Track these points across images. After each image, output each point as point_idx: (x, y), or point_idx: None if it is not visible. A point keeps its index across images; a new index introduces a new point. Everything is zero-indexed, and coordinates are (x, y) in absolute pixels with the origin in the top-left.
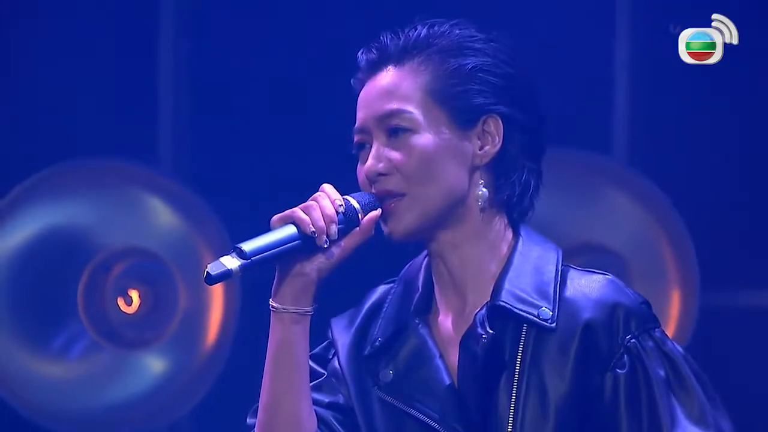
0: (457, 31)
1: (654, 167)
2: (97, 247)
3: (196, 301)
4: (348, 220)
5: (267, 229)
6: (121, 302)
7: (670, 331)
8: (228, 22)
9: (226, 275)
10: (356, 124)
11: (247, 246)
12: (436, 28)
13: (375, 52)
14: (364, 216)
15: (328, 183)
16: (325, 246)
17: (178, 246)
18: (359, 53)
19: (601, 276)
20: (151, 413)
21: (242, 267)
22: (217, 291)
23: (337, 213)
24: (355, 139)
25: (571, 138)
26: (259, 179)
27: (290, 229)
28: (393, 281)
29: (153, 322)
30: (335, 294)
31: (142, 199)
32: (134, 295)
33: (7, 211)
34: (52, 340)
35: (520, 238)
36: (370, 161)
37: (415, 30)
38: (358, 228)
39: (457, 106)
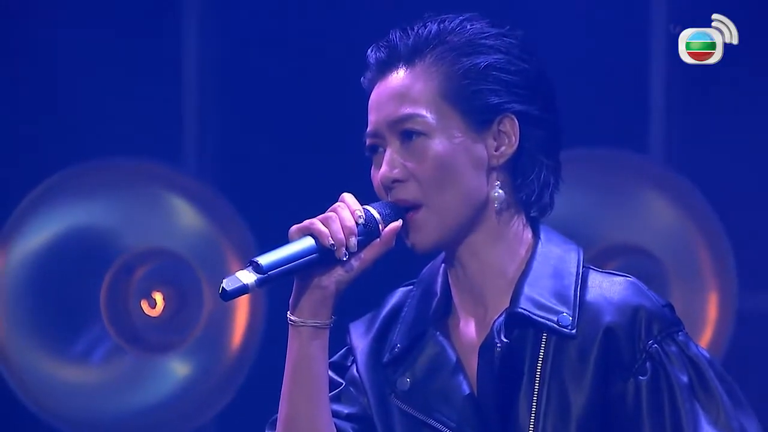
0: (469, 27)
1: (691, 167)
2: (120, 248)
3: (221, 303)
4: (368, 231)
5: (288, 230)
6: (144, 305)
7: (707, 334)
8: (254, 21)
9: (242, 291)
10: (369, 128)
11: (264, 259)
12: (446, 24)
13: (384, 51)
14: (385, 226)
15: (355, 182)
16: (345, 258)
17: (203, 247)
18: (369, 51)
19: (622, 278)
20: (175, 419)
21: (259, 282)
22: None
23: (357, 224)
24: (368, 142)
25: (607, 137)
26: (284, 179)
27: (308, 241)
28: (412, 284)
29: (177, 325)
30: (353, 297)
31: (166, 200)
32: (158, 297)
33: (28, 212)
34: (74, 344)
35: (540, 239)
36: (384, 167)
37: (425, 27)
38: (378, 239)
39: (471, 107)
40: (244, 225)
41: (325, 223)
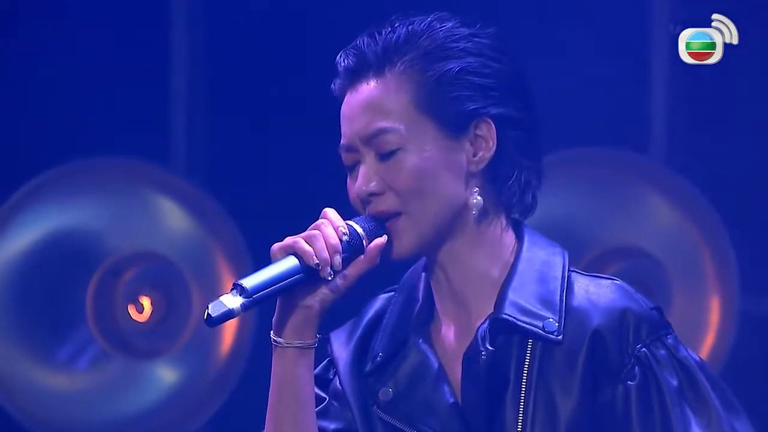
0: (438, 28)
1: (692, 167)
2: (107, 251)
3: None
4: (352, 248)
5: (281, 233)
6: (131, 309)
7: (709, 338)
8: (244, 20)
9: (228, 315)
10: (342, 141)
11: (248, 282)
12: (415, 26)
13: (353, 59)
14: (369, 242)
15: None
16: (330, 278)
17: (192, 250)
18: (337, 58)
19: (609, 281)
20: (164, 427)
21: (244, 306)
22: None
23: (341, 241)
24: (344, 158)
25: (606, 136)
26: (275, 180)
27: (292, 261)
28: (393, 290)
29: (165, 330)
30: (333, 304)
31: (153, 201)
32: (146, 302)
33: (12, 213)
34: (59, 350)
35: (524, 242)
36: (360, 180)
37: (394, 32)
38: (363, 256)
39: (446, 115)
40: (235, 227)
41: (308, 241)
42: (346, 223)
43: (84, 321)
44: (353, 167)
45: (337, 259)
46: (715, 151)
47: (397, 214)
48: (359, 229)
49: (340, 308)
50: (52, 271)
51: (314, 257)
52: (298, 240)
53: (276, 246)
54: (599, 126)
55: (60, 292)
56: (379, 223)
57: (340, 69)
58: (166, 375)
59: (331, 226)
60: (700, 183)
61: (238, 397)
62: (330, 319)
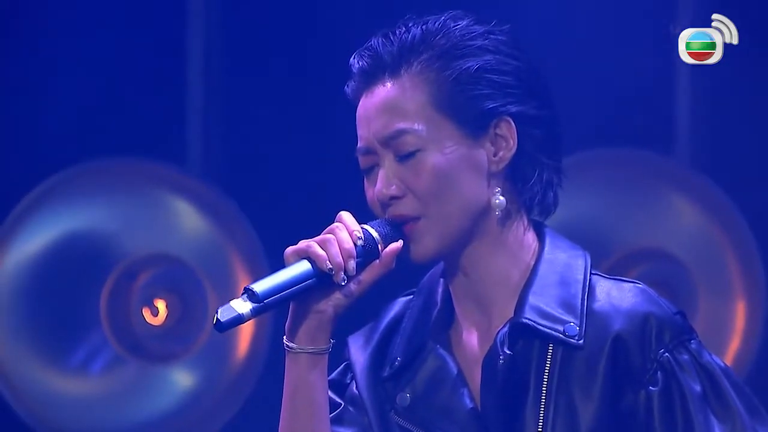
0: (454, 27)
1: (718, 169)
2: (121, 253)
3: None
4: (367, 252)
5: (297, 235)
6: (146, 313)
7: (734, 343)
8: (260, 20)
9: (237, 321)
10: (359, 144)
11: (259, 287)
12: (430, 25)
13: (368, 60)
14: (384, 247)
15: (362, 184)
16: (343, 283)
17: (208, 252)
18: (351, 59)
19: (631, 285)
20: None
21: (254, 311)
22: None
23: (356, 246)
24: (361, 162)
25: (630, 137)
26: (292, 181)
27: (305, 266)
28: (412, 293)
29: (181, 334)
30: (351, 307)
31: (169, 202)
32: (161, 305)
33: (25, 215)
34: (73, 354)
35: (545, 245)
36: (379, 184)
37: (408, 32)
38: (377, 261)
39: (465, 115)
40: (251, 229)
41: (322, 245)
42: (362, 227)
43: (98, 324)
44: (370, 170)
45: (351, 263)
46: (740, 151)
47: (417, 219)
48: (375, 234)
49: (357, 311)
50: (66, 274)
51: (327, 262)
52: (312, 244)
53: (289, 250)
54: (622, 127)
55: (73, 296)
56: (396, 228)
57: (355, 71)
58: (181, 380)
59: (345, 230)
60: (726, 184)
61: (254, 402)
62: (349, 322)
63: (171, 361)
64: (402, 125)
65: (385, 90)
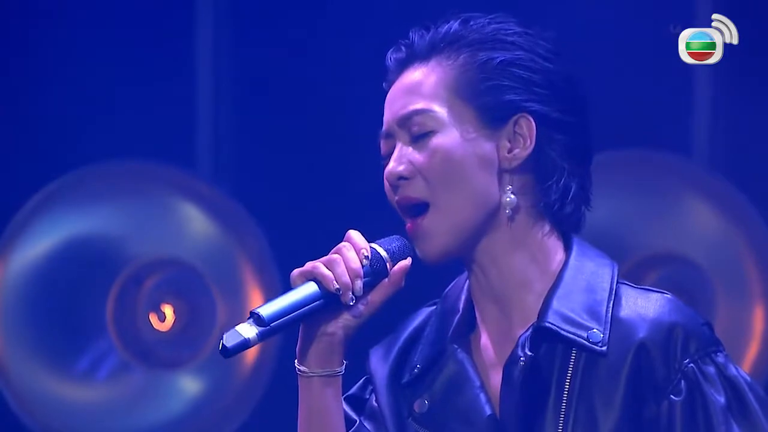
0: (493, 26)
1: (736, 170)
2: (128, 257)
3: (234, 316)
4: (375, 271)
5: (306, 241)
6: (153, 318)
7: (753, 349)
8: (270, 24)
9: (243, 346)
10: (383, 128)
11: (265, 310)
12: (471, 23)
13: (403, 50)
14: (393, 265)
15: (372, 187)
16: (351, 303)
17: (216, 257)
18: (389, 53)
19: (659, 295)
20: None
21: (260, 335)
22: (258, 305)
23: (363, 265)
24: (382, 147)
25: (647, 138)
26: (301, 186)
27: (311, 287)
28: (436, 302)
29: (188, 339)
30: (374, 316)
31: (177, 206)
32: (168, 310)
33: (30, 218)
34: (79, 360)
35: (572, 253)
36: (391, 163)
37: (447, 24)
38: (386, 280)
39: (484, 102)
40: (260, 234)
41: (329, 266)
42: (370, 246)
43: (104, 330)
44: (389, 157)
45: (358, 283)
46: (761, 153)
47: (425, 205)
48: (383, 252)
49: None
50: (72, 279)
51: (334, 282)
52: (318, 265)
53: (296, 271)
54: (639, 128)
55: (80, 301)
56: (403, 244)
57: (391, 63)
58: (188, 386)
59: (353, 249)
60: (746, 186)
61: (262, 409)
62: (370, 332)
63: (179, 367)
64: (418, 106)
65: (412, 74)
